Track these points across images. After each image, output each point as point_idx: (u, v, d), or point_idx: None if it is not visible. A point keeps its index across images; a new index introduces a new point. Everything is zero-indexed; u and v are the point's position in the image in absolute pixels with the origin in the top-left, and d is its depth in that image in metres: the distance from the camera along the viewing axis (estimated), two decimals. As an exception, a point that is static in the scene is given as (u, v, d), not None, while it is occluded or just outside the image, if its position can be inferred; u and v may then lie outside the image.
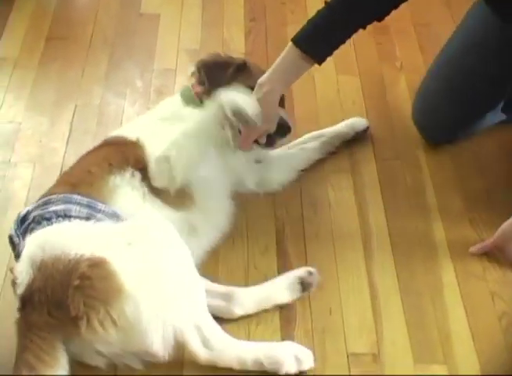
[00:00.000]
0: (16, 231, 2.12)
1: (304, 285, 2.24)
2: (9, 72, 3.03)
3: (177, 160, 2.24)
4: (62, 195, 2.14)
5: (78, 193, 2.14)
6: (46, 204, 2.13)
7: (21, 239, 2.08)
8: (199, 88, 2.47)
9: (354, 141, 2.71)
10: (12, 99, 2.93)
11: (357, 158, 2.69)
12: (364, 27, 2.32)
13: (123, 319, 1.93)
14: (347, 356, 2.13)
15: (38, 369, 1.91)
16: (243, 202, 2.52)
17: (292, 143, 2.65)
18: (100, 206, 2.13)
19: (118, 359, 2.04)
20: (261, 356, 2.06)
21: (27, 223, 2.10)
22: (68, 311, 1.91)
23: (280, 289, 2.24)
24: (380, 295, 2.27)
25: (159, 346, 1.99)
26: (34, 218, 2.09)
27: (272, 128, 2.39)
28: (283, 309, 2.23)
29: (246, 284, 2.28)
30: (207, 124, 2.32)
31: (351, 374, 2.10)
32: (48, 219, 2.07)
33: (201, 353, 2.02)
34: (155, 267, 2.00)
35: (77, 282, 1.91)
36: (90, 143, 2.57)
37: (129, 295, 1.93)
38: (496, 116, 2.73)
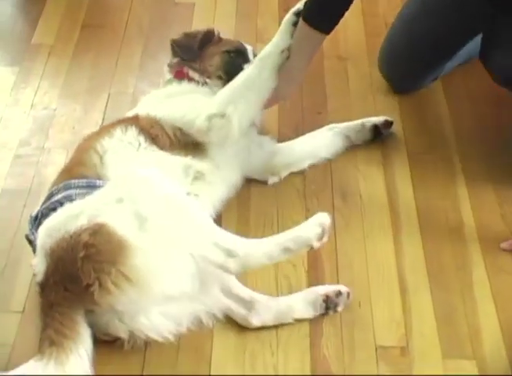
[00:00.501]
0: (30, 230, 2.17)
1: (328, 304, 2.19)
2: (45, 59, 3.05)
3: (235, 115, 2.31)
4: (62, 184, 2.18)
5: (75, 178, 2.18)
6: (50, 197, 2.18)
7: (36, 236, 2.12)
8: (189, 71, 2.55)
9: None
10: (47, 85, 2.95)
11: (389, 150, 2.68)
12: None
13: (135, 272, 1.96)
14: (376, 349, 2.12)
15: (58, 342, 1.94)
16: (274, 193, 2.53)
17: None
18: (98, 183, 2.17)
19: (139, 325, 2.05)
20: (285, 242, 2.08)
21: (38, 220, 2.15)
22: (80, 282, 1.95)
23: (303, 304, 2.19)
24: (409, 289, 2.27)
25: (181, 283, 2.02)
26: (42, 212, 2.14)
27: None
28: (312, 300, 2.24)
29: (276, 275, 2.29)
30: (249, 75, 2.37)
31: (379, 366, 2.09)
32: (54, 209, 2.11)
33: (230, 264, 2.04)
34: (149, 212, 2.02)
35: (82, 253, 1.95)
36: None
37: (134, 248, 1.97)
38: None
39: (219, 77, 2.54)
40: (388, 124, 2.69)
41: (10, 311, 2.18)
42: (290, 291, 2.24)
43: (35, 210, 2.19)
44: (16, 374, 1.93)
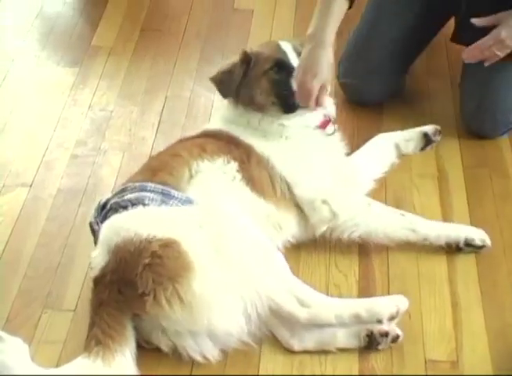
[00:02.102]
0: (95, 218, 2.19)
1: (371, 340, 2.13)
2: (104, 60, 3.09)
3: (334, 198, 2.33)
4: (138, 184, 2.20)
5: (152, 182, 2.19)
6: (123, 191, 2.19)
7: (100, 226, 2.15)
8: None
9: (443, 147, 2.69)
10: (105, 87, 2.99)
11: (444, 163, 2.66)
12: None
13: (190, 296, 1.97)
14: (425, 362, 2.10)
15: (105, 343, 1.96)
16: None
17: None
18: (174, 193, 2.18)
19: (183, 342, 2.05)
20: (358, 309, 2.08)
21: (105, 211, 2.17)
22: (136, 288, 1.97)
23: (346, 334, 2.13)
24: (461, 303, 2.24)
25: (230, 323, 2.02)
26: (111, 205, 2.16)
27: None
28: (362, 311, 2.22)
29: (326, 284, 2.28)
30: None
31: (429, 380, 2.08)
32: (124, 207, 2.13)
33: (300, 313, 2.05)
34: (226, 247, 2.04)
35: (147, 260, 1.97)
36: (178, 135, 2.65)
37: (198, 273, 1.98)
38: None
39: (273, 103, 2.43)
40: (438, 131, 2.68)
41: (63, 309, 2.21)
42: (341, 301, 2.24)
43: (104, 198, 2.21)
44: (65, 372, 1.96)
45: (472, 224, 2.45)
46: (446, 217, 2.47)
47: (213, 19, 3.29)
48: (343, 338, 2.12)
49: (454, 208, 2.52)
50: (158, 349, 2.07)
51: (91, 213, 2.28)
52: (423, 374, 2.08)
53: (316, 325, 2.08)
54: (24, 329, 2.14)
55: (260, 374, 2.07)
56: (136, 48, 3.16)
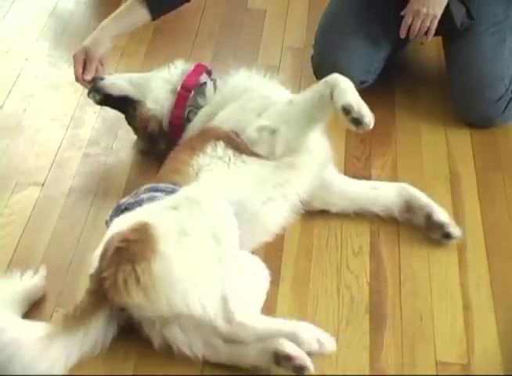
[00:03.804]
0: (111, 217, 2.20)
1: (276, 359, 1.97)
2: (117, 60, 3.09)
3: (282, 136, 2.31)
4: (150, 185, 2.22)
5: (165, 182, 2.22)
6: (137, 192, 2.22)
7: None
8: None
9: (455, 149, 2.69)
10: (118, 87, 2.98)
11: (457, 165, 2.66)
12: None
13: (147, 278, 1.95)
14: (436, 364, 2.10)
15: (72, 316, 2.01)
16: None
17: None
18: None
19: (173, 336, 2.02)
20: (279, 333, 1.99)
21: (119, 212, 2.18)
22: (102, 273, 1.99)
23: (259, 351, 2.00)
24: (472, 306, 2.24)
25: (191, 306, 1.98)
26: (126, 206, 2.18)
27: None
28: (374, 312, 2.22)
29: (338, 284, 2.28)
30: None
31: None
32: (137, 207, 2.14)
33: (220, 326, 1.99)
34: (195, 233, 2.03)
35: (117, 244, 1.99)
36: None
37: (159, 256, 1.97)
38: None
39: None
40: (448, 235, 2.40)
41: (74, 308, 2.20)
42: (352, 303, 2.24)
43: (124, 199, 2.23)
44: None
45: (484, 227, 2.45)
46: (458, 219, 2.46)
47: (226, 19, 3.30)
48: (255, 355, 2.01)
49: (466, 211, 2.51)
50: (167, 351, 2.06)
51: (104, 212, 2.29)
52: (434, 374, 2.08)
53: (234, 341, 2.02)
54: (36, 327, 2.14)
55: (270, 374, 2.06)
56: (149, 48, 3.16)
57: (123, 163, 2.66)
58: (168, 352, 2.04)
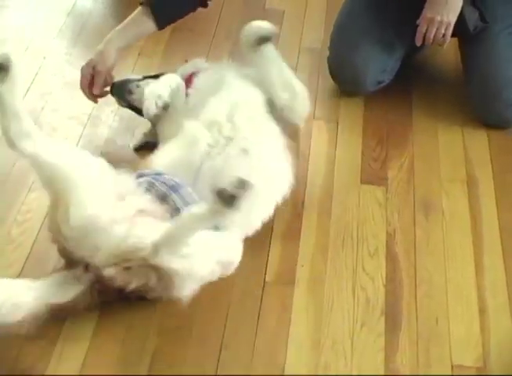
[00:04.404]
0: None
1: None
2: (134, 60, 3.09)
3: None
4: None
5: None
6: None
7: None
8: None
9: (473, 151, 2.68)
10: (135, 86, 2.99)
11: (474, 168, 2.66)
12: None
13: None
14: (452, 368, 2.09)
15: None
16: (355, 204, 2.52)
17: None
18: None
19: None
20: None
21: None
22: None
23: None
24: (489, 309, 2.23)
25: None
26: None
27: None
28: (389, 314, 2.21)
29: (353, 285, 2.28)
30: None
31: (454, 385, 2.07)
32: None
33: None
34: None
35: None
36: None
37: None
38: None
39: None
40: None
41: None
42: (368, 304, 2.23)
43: None
44: None
45: (501, 231, 2.44)
46: (475, 223, 2.46)
47: (244, 19, 3.25)
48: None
49: (483, 214, 2.51)
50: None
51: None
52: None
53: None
54: (51, 325, 2.13)
55: (285, 374, 2.06)
56: (166, 49, 3.16)
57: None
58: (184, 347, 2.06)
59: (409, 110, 2.87)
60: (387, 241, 2.41)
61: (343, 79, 2.90)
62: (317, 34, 3.21)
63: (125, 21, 2.61)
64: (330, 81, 2.94)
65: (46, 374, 2.03)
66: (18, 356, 2.06)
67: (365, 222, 2.47)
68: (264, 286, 2.27)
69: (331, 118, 2.84)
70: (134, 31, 2.63)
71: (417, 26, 2.66)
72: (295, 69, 3.02)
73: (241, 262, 2.28)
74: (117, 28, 2.61)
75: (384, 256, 2.37)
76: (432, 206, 2.52)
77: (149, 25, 2.61)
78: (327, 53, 2.94)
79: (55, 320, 2.10)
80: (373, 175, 2.63)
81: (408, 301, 2.24)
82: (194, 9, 2.72)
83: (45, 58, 3.03)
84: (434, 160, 2.68)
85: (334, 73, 2.90)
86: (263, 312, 2.20)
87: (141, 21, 2.60)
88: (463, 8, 2.62)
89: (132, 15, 2.61)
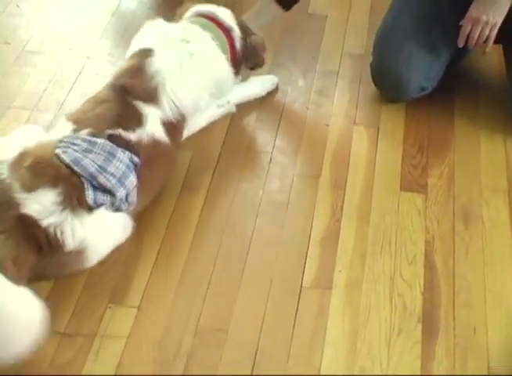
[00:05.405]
0: None
1: None
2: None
3: None
4: None
5: None
6: None
7: None
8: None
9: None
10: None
11: (516, 178, 2.64)
12: None
13: None
14: (489, 376, 2.09)
15: None
16: (394, 211, 2.51)
17: None
18: None
19: None
20: None
21: None
22: None
23: None
24: (528, 319, 2.22)
25: None
26: None
27: None
28: (426, 322, 2.20)
29: (391, 292, 2.27)
30: None
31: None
32: None
33: None
34: None
35: None
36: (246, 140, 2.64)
37: None
38: None
39: None
40: None
41: (127, 305, 2.22)
42: (405, 311, 2.22)
43: None
44: None
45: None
46: (516, 233, 2.45)
47: (287, 23, 3.28)
48: None
49: (524, 226, 2.49)
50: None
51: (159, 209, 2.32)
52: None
53: None
54: (88, 322, 2.16)
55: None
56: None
57: (180, 162, 2.66)
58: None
59: (451, 118, 2.85)
60: (425, 249, 2.40)
61: (385, 85, 2.88)
62: (359, 39, 3.20)
63: (252, 10, 2.89)
64: (372, 86, 2.92)
65: (83, 372, 2.04)
66: (56, 352, 2.08)
67: (403, 229, 2.45)
68: (301, 290, 2.26)
69: (372, 124, 2.82)
70: (264, 18, 2.91)
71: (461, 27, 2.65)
72: (337, 74, 3.02)
73: (279, 266, 2.30)
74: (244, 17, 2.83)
75: (422, 264, 2.36)
76: (472, 215, 2.50)
77: (277, 9, 2.87)
78: (369, 59, 2.92)
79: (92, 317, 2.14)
80: (412, 182, 2.61)
81: (446, 310, 2.23)
82: None
83: (88, 58, 3.06)
84: (475, 169, 2.66)
85: (377, 79, 2.89)
86: (300, 316, 2.20)
87: (267, 7, 2.90)
88: (509, 13, 2.59)
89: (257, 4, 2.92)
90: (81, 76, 3.00)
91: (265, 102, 2.90)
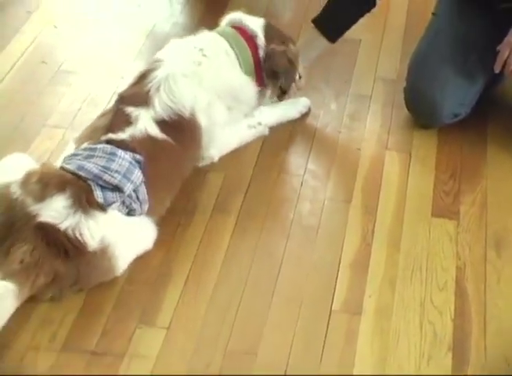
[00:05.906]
0: None
1: None
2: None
3: None
4: None
5: None
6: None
7: None
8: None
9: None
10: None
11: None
12: (368, 11, 2.83)
13: None
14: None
15: None
16: (425, 237, 2.50)
17: None
18: None
19: None
20: None
21: None
22: None
23: None
24: (560, 349, 2.19)
25: None
26: None
27: None
28: (457, 349, 2.18)
29: (421, 319, 2.25)
30: None
31: None
32: None
33: None
34: None
35: None
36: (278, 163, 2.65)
37: None
38: None
39: None
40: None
41: (156, 326, 2.22)
42: (435, 338, 2.20)
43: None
44: None
45: None
46: (548, 261, 2.42)
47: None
48: None
49: (556, 251, 2.47)
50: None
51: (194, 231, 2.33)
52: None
53: None
54: (118, 342, 2.17)
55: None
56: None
57: (210, 183, 2.66)
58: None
59: (484, 144, 2.83)
60: (456, 276, 2.38)
61: (419, 111, 2.87)
62: (393, 63, 3.20)
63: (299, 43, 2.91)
64: (404, 111, 2.92)
65: (112, 390, 2.05)
66: (84, 370, 2.09)
67: (435, 256, 2.44)
68: (330, 314, 2.26)
69: (404, 149, 2.82)
70: (311, 53, 2.92)
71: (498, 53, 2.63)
72: (369, 98, 3.02)
73: (308, 289, 2.30)
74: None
75: (453, 290, 2.34)
76: (505, 242, 2.48)
77: (322, 42, 2.89)
78: (402, 83, 2.92)
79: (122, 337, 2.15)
80: (444, 208, 2.60)
81: (477, 338, 2.21)
82: (368, 10, 2.86)
83: (122, 78, 3.08)
84: (508, 196, 2.64)
85: (410, 104, 2.88)
86: (328, 340, 2.19)
87: (313, 40, 2.91)
88: None
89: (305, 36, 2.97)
90: (115, 96, 3.02)
91: (297, 125, 2.91)
